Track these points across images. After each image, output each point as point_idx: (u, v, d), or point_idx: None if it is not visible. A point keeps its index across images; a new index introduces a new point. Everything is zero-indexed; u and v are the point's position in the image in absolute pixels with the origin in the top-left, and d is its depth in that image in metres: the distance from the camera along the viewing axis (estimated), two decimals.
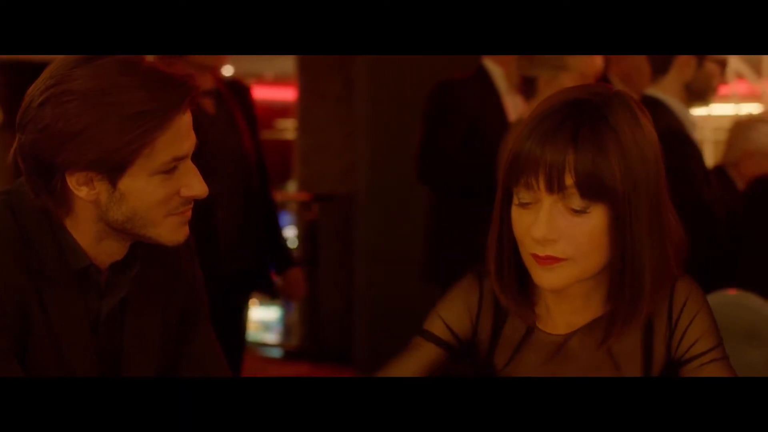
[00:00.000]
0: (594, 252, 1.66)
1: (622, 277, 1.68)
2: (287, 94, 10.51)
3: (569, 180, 1.62)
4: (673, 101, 3.65)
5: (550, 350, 1.75)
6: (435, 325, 1.81)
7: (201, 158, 1.82)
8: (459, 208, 3.95)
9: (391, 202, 5.64)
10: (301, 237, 7.41)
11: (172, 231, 1.80)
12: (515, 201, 1.68)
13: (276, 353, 7.64)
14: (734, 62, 6.46)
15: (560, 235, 1.64)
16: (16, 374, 1.71)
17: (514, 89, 3.77)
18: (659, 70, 3.69)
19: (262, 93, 11.51)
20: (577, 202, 1.64)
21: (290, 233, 7.47)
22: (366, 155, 5.87)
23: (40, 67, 1.81)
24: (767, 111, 6.40)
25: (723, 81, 4.03)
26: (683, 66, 3.66)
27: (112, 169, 1.73)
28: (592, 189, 1.63)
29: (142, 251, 1.85)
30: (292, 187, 8.74)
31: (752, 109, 7.21)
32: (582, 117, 1.64)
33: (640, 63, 3.97)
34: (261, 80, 12.28)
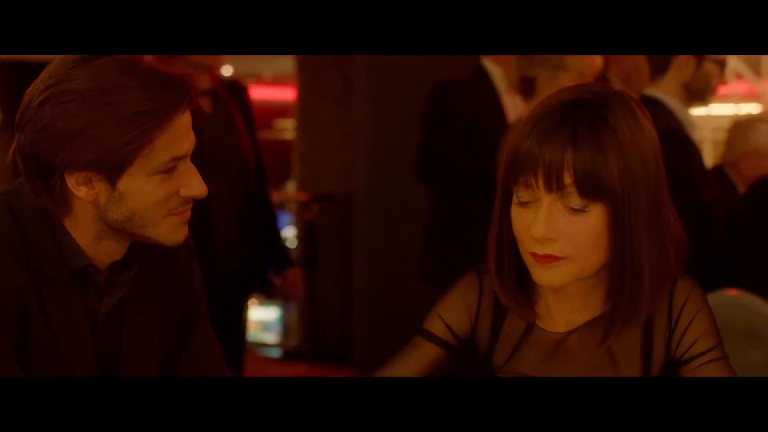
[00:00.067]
0: (593, 251, 1.66)
1: (622, 276, 1.68)
2: (286, 94, 10.52)
3: (568, 179, 1.63)
4: (672, 101, 3.65)
5: (549, 348, 1.76)
6: (435, 325, 1.81)
7: (199, 158, 1.82)
8: (458, 208, 3.95)
9: (391, 202, 5.63)
10: (301, 237, 7.42)
11: (171, 231, 1.80)
12: (515, 200, 1.68)
13: (275, 353, 7.65)
14: (733, 62, 6.46)
15: (559, 234, 1.65)
16: (15, 374, 1.71)
17: (514, 89, 3.77)
18: (658, 70, 3.69)
19: (261, 93, 11.52)
20: (576, 201, 1.64)
21: (290, 233, 7.47)
22: (365, 155, 5.87)
23: (40, 67, 1.81)
24: (766, 111, 6.40)
25: (722, 81, 4.03)
26: (682, 66, 3.66)
27: (111, 169, 1.72)
28: (591, 188, 1.63)
29: (142, 251, 1.85)
30: (291, 187, 8.74)
31: (751, 109, 7.21)
32: (581, 116, 1.64)
33: (639, 63, 3.96)
34: (260, 80, 12.28)
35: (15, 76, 8.56)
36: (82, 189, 1.74)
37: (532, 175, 1.64)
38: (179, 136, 1.75)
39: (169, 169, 1.75)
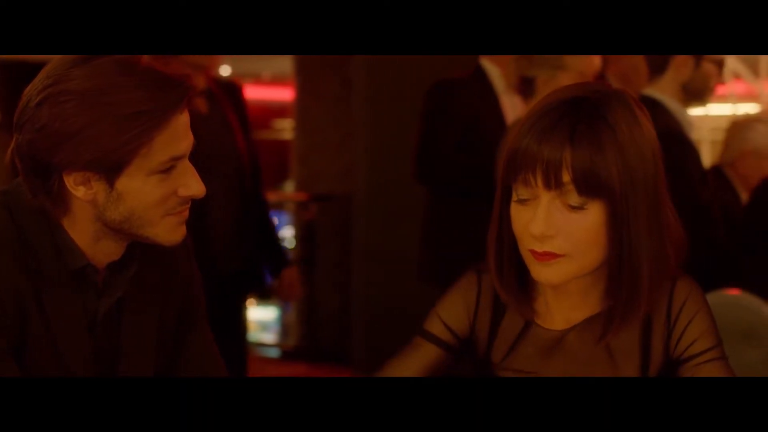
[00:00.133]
0: (591, 248, 1.67)
1: (620, 274, 1.68)
2: (285, 94, 10.52)
3: (566, 176, 1.63)
4: (670, 101, 3.66)
5: (548, 345, 1.76)
6: (434, 325, 1.82)
7: (195, 158, 1.82)
8: (457, 208, 3.95)
9: (390, 202, 5.63)
10: (299, 237, 7.42)
11: (169, 231, 1.80)
12: (514, 197, 1.69)
13: (273, 353, 7.64)
14: (732, 62, 6.47)
15: (558, 231, 1.65)
16: (13, 374, 1.71)
17: (512, 89, 3.77)
18: (657, 70, 3.69)
19: (259, 93, 11.52)
20: (574, 199, 1.64)
21: (288, 233, 7.47)
22: (364, 155, 5.86)
23: (38, 67, 1.80)
24: (764, 111, 6.40)
25: (720, 81, 4.03)
26: (680, 66, 3.66)
27: (110, 169, 1.72)
28: (589, 186, 1.63)
29: (140, 251, 1.85)
30: (289, 187, 8.74)
31: (749, 109, 7.22)
32: (579, 114, 1.65)
33: (637, 63, 3.96)
34: (258, 80, 12.28)
35: (13, 76, 8.55)
36: (80, 189, 1.74)
37: (530, 173, 1.65)
38: (178, 136, 1.75)
39: (167, 169, 1.75)
